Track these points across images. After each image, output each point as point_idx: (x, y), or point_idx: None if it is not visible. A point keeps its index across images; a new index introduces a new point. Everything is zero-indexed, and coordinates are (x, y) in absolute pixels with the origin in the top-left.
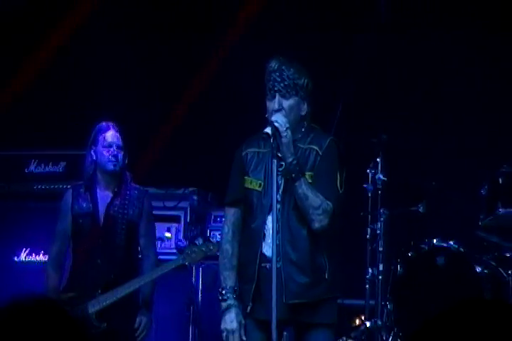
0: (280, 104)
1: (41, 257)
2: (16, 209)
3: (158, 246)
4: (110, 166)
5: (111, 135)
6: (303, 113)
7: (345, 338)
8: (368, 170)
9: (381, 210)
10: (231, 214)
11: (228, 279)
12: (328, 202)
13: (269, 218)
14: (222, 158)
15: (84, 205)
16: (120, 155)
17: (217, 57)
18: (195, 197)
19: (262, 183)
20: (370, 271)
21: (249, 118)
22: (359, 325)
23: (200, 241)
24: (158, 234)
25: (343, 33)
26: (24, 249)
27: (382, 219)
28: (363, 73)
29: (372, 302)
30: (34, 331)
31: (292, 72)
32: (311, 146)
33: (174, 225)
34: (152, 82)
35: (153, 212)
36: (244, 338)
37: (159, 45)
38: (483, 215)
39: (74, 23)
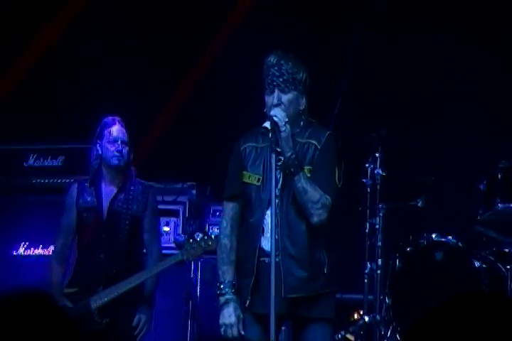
0: (279, 99)
1: (40, 251)
2: (14, 203)
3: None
4: (115, 161)
5: (116, 130)
6: (301, 107)
7: (343, 333)
8: (367, 165)
9: (380, 205)
10: (229, 208)
11: (227, 274)
12: (327, 197)
13: (268, 212)
14: (221, 152)
15: (89, 200)
16: (125, 150)
17: (214, 50)
18: (193, 192)
19: (261, 178)
20: (368, 265)
21: (248, 112)
22: (357, 320)
23: (199, 236)
24: None
25: (342, 26)
26: (23, 243)
27: (380, 213)
28: (361, 67)
29: (370, 296)
30: (21, 324)
31: (291, 66)
32: (310, 140)
33: (173, 219)
34: (149, 76)
35: None
36: (242, 332)
37: (156, 38)
38: (482, 210)
39: (71, 15)
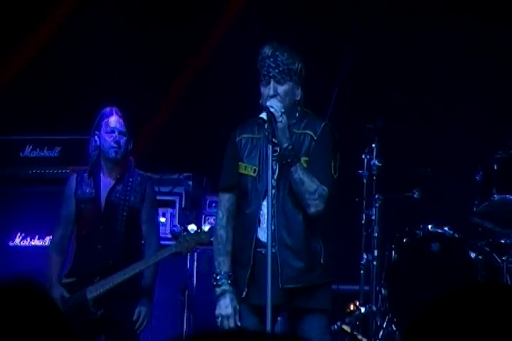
0: (275, 90)
1: (36, 242)
2: (10, 193)
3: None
4: (112, 153)
5: (114, 120)
6: (297, 98)
7: (339, 323)
8: (363, 156)
9: (376, 196)
10: (225, 199)
11: (223, 265)
12: (324, 187)
13: (264, 203)
14: (217, 143)
15: (87, 191)
16: (123, 141)
17: (212, 43)
18: (190, 183)
19: (257, 169)
20: (364, 256)
21: (244, 103)
22: (353, 311)
23: (193, 229)
24: None
25: (340, 17)
26: (19, 234)
27: (377, 204)
28: (359, 58)
29: (366, 287)
30: (6, 311)
31: (286, 57)
32: (306, 131)
33: (169, 210)
34: (147, 67)
35: None
36: (238, 323)
37: (152, 31)
38: (478, 201)
39: (69, 8)
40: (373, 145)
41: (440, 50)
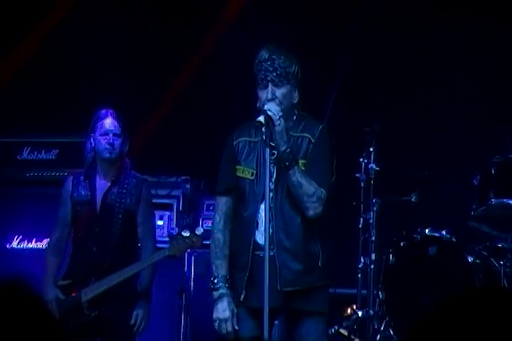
0: (273, 94)
1: (33, 244)
2: (8, 196)
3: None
4: (106, 154)
5: (108, 122)
6: (294, 101)
7: (336, 327)
8: (361, 160)
9: (373, 200)
10: (223, 203)
11: (220, 268)
12: (322, 190)
13: (262, 206)
14: (215, 146)
15: (83, 193)
16: (117, 143)
17: (208, 44)
18: (187, 186)
19: (254, 172)
20: (362, 260)
21: (242, 106)
22: (351, 314)
23: (186, 233)
24: None
25: (335, 20)
26: (16, 236)
27: (374, 208)
28: (357, 61)
29: (364, 291)
30: None
31: (283, 60)
32: (304, 134)
33: (166, 213)
34: (143, 69)
35: None
36: (236, 327)
37: (150, 32)
38: (476, 205)
39: (65, 9)
40: (371, 149)
41: (438, 54)
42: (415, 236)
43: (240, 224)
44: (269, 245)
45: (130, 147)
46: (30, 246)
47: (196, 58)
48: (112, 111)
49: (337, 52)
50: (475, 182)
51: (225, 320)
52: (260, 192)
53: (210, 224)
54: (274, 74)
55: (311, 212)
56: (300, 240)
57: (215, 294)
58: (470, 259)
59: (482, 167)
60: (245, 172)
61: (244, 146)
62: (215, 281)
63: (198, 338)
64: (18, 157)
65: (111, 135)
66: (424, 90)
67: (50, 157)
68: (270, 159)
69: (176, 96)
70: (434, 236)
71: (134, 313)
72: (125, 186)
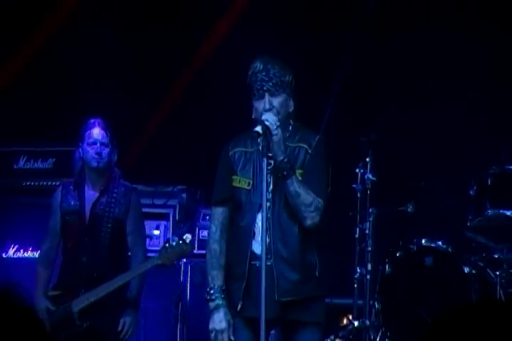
0: (270, 103)
1: (29, 253)
2: (4, 205)
3: (147, 243)
4: (94, 163)
5: (96, 132)
6: (290, 109)
7: (332, 337)
8: (357, 170)
9: (370, 210)
10: (219, 213)
11: (216, 279)
12: (320, 200)
13: (259, 216)
14: (211, 156)
15: (72, 203)
16: (105, 152)
17: (205, 53)
18: (184, 195)
19: (251, 182)
20: (358, 270)
21: (238, 116)
22: (347, 325)
23: (174, 241)
24: (147, 232)
25: (331, 31)
26: (12, 245)
27: (370, 218)
28: (353, 72)
29: (360, 301)
30: None
31: (278, 69)
32: (300, 144)
33: (163, 223)
34: (140, 78)
35: (142, 210)
36: (232, 338)
37: (147, 40)
38: (472, 216)
39: (61, 18)
40: (367, 159)
41: (435, 65)
42: (411, 246)
43: (237, 234)
44: (266, 255)
45: (127, 157)
46: (26, 255)
47: (193, 68)
48: (99, 121)
49: (333, 63)
50: (471, 192)
51: (222, 331)
52: (257, 201)
53: (206, 234)
54: (270, 83)
55: (308, 222)
56: (297, 250)
57: (212, 305)
58: (466, 270)
59: (478, 178)
60: (242, 182)
61: (240, 157)
62: (211, 292)
63: None
64: (14, 166)
65: (98, 144)
66: (420, 101)
67: (47, 166)
68: (267, 169)
69: (172, 105)
70: (431, 246)
71: (122, 320)
72: (114, 195)
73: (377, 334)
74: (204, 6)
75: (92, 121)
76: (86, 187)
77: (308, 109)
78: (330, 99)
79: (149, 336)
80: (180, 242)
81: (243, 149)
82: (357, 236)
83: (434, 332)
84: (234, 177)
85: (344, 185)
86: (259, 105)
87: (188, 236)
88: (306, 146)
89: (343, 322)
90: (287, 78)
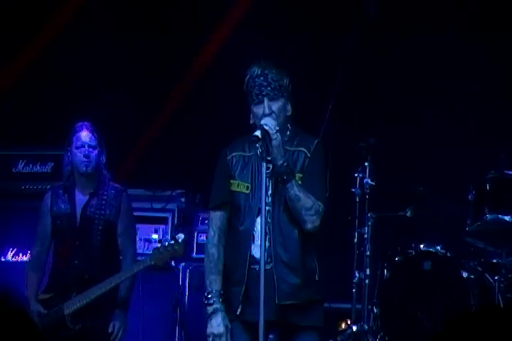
0: (270, 108)
1: (28, 257)
2: (3, 208)
3: (146, 247)
4: (82, 168)
5: (83, 135)
6: (288, 113)
7: None
8: (356, 174)
9: (369, 214)
10: (217, 217)
11: (214, 283)
12: (320, 203)
13: (258, 220)
14: (210, 160)
15: (63, 207)
16: (93, 154)
17: (204, 58)
18: (182, 199)
19: (249, 186)
20: (356, 274)
21: (237, 120)
22: (345, 329)
23: (167, 241)
24: (145, 236)
25: (329, 35)
26: (11, 249)
27: (369, 223)
28: (351, 76)
29: (358, 306)
30: None
31: (275, 74)
32: (299, 148)
33: (161, 227)
34: (139, 83)
35: (141, 214)
36: None
37: (146, 45)
38: (471, 221)
39: (60, 23)
40: (366, 164)
41: (433, 69)
42: (410, 251)
43: (236, 238)
44: (266, 259)
45: (126, 160)
46: (24, 258)
47: (192, 74)
48: (87, 124)
49: (333, 67)
50: (470, 197)
51: (219, 336)
52: (256, 205)
53: (204, 238)
54: (269, 88)
55: (309, 226)
56: (297, 254)
57: (209, 309)
58: (465, 275)
59: (477, 182)
60: (240, 186)
61: (239, 161)
62: (209, 296)
63: None
64: (13, 170)
65: (86, 147)
66: (419, 106)
67: (46, 170)
68: (266, 173)
69: (171, 110)
70: (429, 251)
71: (111, 324)
72: (104, 197)
73: (376, 338)
74: (207, 8)
75: (80, 124)
76: (76, 191)
77: (307, 114)
78: (329, 104)
79: (148, 339)
80: (173, 242)
81: (241, 153)
82: (355, 240)
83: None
84: (232, 181)
85: (343, 190)
86: (258, 110)
87: (180, 236)
88: (305, 150)
89: (341, 326)
90: (285, 82)
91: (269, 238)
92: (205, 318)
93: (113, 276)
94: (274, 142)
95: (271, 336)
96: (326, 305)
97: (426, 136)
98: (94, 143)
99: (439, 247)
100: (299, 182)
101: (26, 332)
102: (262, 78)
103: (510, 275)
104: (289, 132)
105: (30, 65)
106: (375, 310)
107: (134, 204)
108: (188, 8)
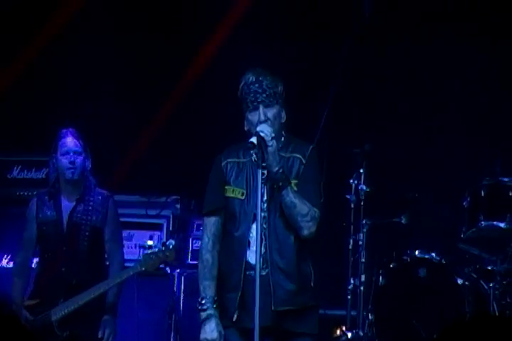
0: (265, 115)
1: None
2: None
3: (141, 253)
4: (68, 174)
5: (68, 141)
6: (283, 120)
7: None
8: (351, 181)
9: (364, 221)
10: (211, 223)
11: (208, 289)
12: (315, 209)
13: (254, 226)
14: (205, 166)
15: (49, 213)
16: (78, 160)
17: (199, 64)
18: (177, 206)
19: (245, 192)
20: (352, 281)
21: (231, 126)
22: (340, 336)
23: (157, 247)
24: (140, 242)
25: (325, 41)
26: (5, 255)
27: (364, 229)
28: (346, 83)
29: (353, 312)
30: None
31: (270, 81)
32: (294, 155)
33: (156, 233)
34: (134, 90)
35: (136, 220)
36: None
37: (141, 50)
38: (465, 227)
39: (54, 27)
40: (361, 171)
41: (428, 75)
42: (405, 257)
43: (231, 244)
44: (262, 264)
45: (121, 167)
46: None
47: (186, 79)
48: (71, 130)
49: (328, 73)
50: (465, 204)
51: None
52: (251, 211)
53: (198, 244)
54: (264, 95)
55: (305, 232)
56: (293, 260)
57: (203, 315)
58: (459, 281)
59: (472, 189)
60: (235, 192)
61: (233, 167)
62: (203, 302)
63: None
64: (8, 176)
65: (72, 153)
66: (414, 112)
67: (40, 176)
68: (262, 179)
69: (165, 116)
70: (424, 257)
71: (101, 329)
72: (91, 204)
73: None
74: (205, 10)
75: (64, 131)
76: (62, 197)
77: (302, 120)
78: (324, 110)
79: None
80: (163, 248)
81: (236, 160)
82: (350, 247)
83: None
84: (227, 187)
85: (338, 196)
86: (253, 117)
87: (171, 242)
88: (300, 156)
89: (336, 333)
90: (279, 89)
91: (265, 244)
92: (200, 324)
93: (102, 282)
94: (269, 149)
95: None
96: (321, 311)
97: (421, 142)
98: (79, 150)
99: (434, 254)
100: (295, 189)
101: (20, 337)
102: (256, 85)
103: (504, 282)
104: (283, 139)
105: (23, 71)
106: (370, 317)
107: (129, 211)
108: (188, 8)
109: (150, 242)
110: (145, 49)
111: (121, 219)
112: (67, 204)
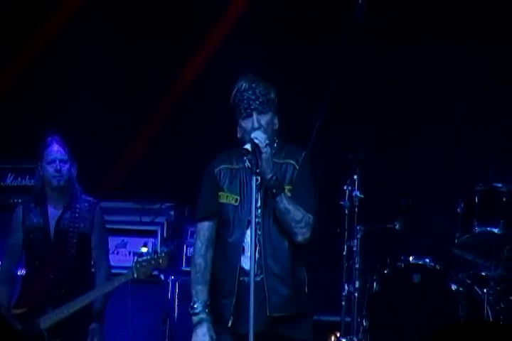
0: (259, 122)
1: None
2: None
3: (135, 260)
4: (54, 182)
5: (53, 150)
6: (276, 127)
7: None
8: (345, 187)
9: (358, 227)
10: (204, 228)
11: (200, 293)
12: (309, 215)
13: (248, 232)
14: (199, 173)
15: (35, 220)
16: (64, 169)
17: (193, 69)
18: (171, 213)
19: (238, 198)
20: (346, 287)
21: (225, 133)
22: None
23: (149, 254)
24: (134, 249)
25: (319, 46)
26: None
27: (358, 235)
28: (340, 89)
29: (348, 318)
30: None
31: (263, 88)
32: (287, 161)
33: (151, 240)
34: (127, 95)
35: (130, 227)
36: None
37: (134, 56)
38: (459, 233)
39: (48, 33)
40: (355, 177)
41: (422, 82)
42: (399, 263)
43: (225, 250)
44: (256, 270)
45: (115, 174)
46: None
47: (179, 86)
48: (56, 138)
49: (322, 79)
50: (459, 210)
51: None
52: (245, 218)
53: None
54: (257, 102)
55: (300, 238)
56: (288, 265)
57: (195, 319)
58: (453, 287)
59: (466, 195)
60: (229, 198)
61: (226, 173)
62: (195, 306)
63: None
64: (1, 183)
65: (57, 162)
66: (408, 118)
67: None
68: (256, 185)
69: (159, 123)
70: (418, 263)
71: (89, 338)
72: (77, 211)
73: None
74: (203, 11)
75: (50, 139)
76: (48, 205)
77: (296, 126)
78: (318, 116)
79: None
80: (155, 255)
81: (229, 166)
82: (345, 253)
83: None
84: (221, 193)
85: (332, 202)
86: (247, 124)
87: (163, 249)
88: (293, 162)
89: (330, 339)
90: (272, 96)
91: (259, 250)
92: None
93: (93, 290)
94: (263, 155)
95: None
96: (315, 317)
97: (415, 148)
98: (65, 158)
99: (428, 259)
100: (288, 195)
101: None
102: (250, 92)
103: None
104: (276, 145)
105: (17, 77)
106: (364, 323)
107: (123, 218)
108: (181, 11)
109: (144, 249)
110: (139, 55)
111: (115, 226)
112: (53, 212)
